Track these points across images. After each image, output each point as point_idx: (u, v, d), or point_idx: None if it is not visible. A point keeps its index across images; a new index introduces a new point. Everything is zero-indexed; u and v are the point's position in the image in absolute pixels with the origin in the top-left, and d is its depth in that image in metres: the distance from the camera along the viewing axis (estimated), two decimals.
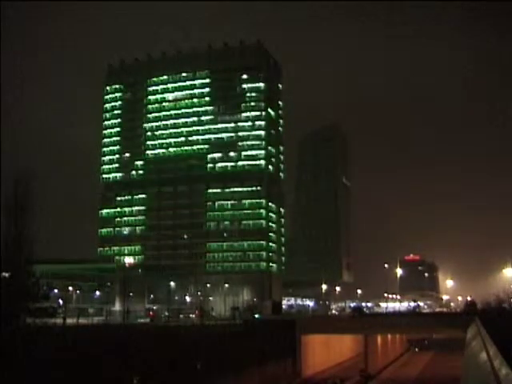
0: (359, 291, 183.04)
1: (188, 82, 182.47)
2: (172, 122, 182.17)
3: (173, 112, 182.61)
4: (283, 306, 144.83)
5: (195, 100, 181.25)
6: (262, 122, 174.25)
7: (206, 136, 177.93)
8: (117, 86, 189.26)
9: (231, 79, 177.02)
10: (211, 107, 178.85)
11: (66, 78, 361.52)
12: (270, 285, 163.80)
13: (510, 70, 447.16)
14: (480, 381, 12.06)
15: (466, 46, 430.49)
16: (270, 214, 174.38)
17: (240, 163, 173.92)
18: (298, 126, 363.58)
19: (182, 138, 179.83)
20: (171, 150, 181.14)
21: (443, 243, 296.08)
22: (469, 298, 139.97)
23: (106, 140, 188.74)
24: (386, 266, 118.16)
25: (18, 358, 32.88)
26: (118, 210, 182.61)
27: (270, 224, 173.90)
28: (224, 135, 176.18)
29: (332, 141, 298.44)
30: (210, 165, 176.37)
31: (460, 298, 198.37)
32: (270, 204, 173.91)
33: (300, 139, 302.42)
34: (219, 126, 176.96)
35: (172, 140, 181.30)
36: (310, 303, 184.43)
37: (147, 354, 43.38)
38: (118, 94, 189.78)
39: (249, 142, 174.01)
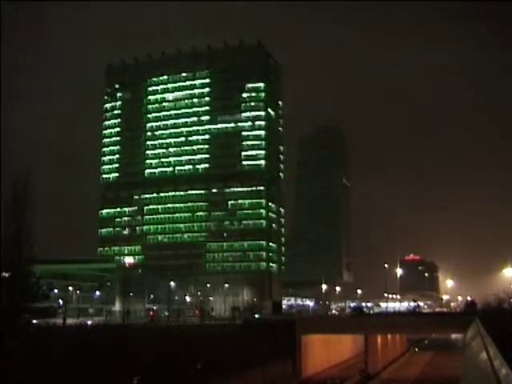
0: (359, 291, 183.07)
1: (188, 82, 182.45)
2: (172, 121, 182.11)
3: (173, 112, 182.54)
4: (283, 306, 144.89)
5: (195, 100, 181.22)
6: (262, 122, 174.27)
7: (206, 136, 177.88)
8: (117, 86, 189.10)
9: (231, 79, 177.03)
10: (211, 107, 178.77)
11: (66, 78, 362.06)
12: (270, 285, 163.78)
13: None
14: (480, 381, 12.04)
15: (468, 48, 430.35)
16: (270, 213, 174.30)
17: (240, 163, 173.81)
18: (298, 125, 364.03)
19: (182, 138, 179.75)
20: (171, 149, 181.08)
21: (443, 243, 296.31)
22: (469, 298, 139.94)
23: (105, 140, 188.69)
24: (385, 266, 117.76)
25: (18, 357, 32.87)
26: (118, 209, 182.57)
27: (270, 224, 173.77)
28: (224, 135, 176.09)
29: (332, 141, 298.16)
30: (209, 165, 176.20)
31: (460, 298, 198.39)
32: (269, 204, 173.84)
33: (300, 139, 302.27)
34: (219, 126, 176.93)
35: (172, 140, 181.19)
36: (310, 303, 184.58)
37: (147, 354, 43.37)
38: (118, 94, 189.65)
39: (249, 142, 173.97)
